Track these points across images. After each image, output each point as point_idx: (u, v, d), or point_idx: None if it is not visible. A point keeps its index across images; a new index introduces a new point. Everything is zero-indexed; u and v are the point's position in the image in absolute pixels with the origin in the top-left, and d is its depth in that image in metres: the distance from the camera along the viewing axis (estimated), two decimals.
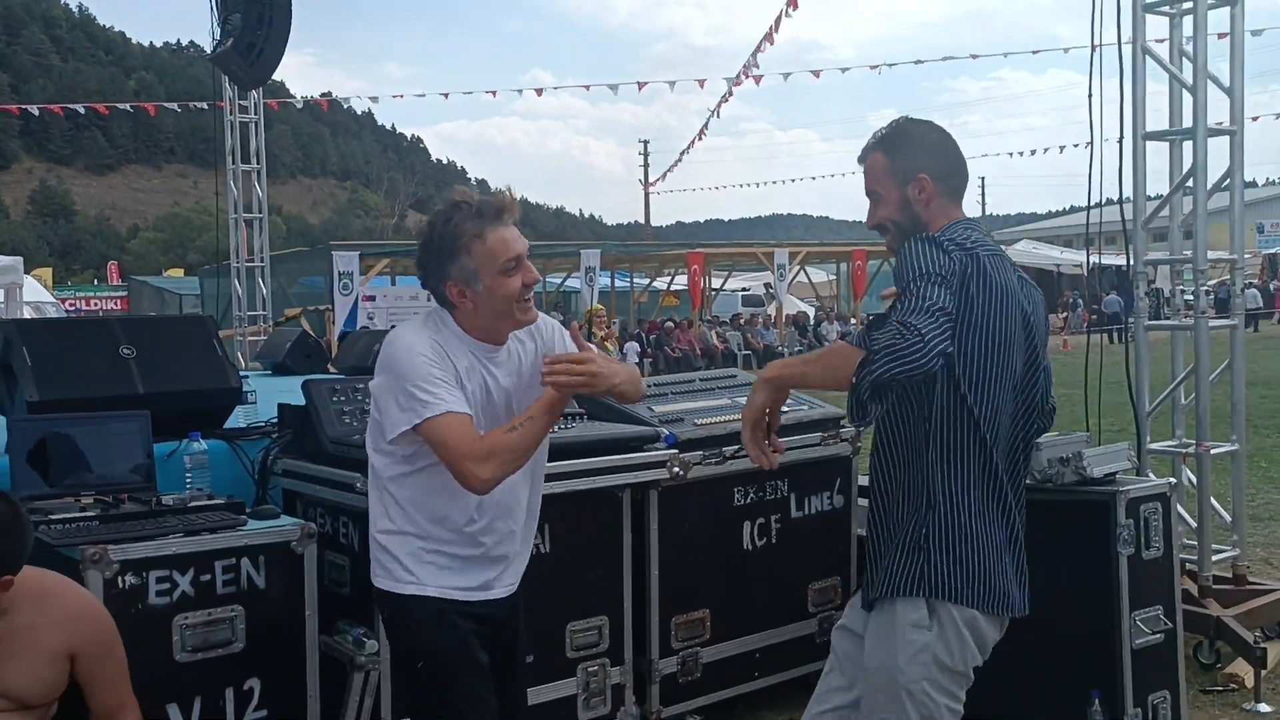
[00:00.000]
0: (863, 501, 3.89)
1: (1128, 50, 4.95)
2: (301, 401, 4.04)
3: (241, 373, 4.84)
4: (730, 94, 26.62)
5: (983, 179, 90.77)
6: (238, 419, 4.37)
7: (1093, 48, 4.97)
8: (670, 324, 27.00)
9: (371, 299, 21.27)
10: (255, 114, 12.91)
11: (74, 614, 2.59)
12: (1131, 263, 5.05)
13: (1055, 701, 4.00)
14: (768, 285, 35.98)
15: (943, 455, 2.45)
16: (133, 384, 3.95)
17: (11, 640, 2.51)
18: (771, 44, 20.79)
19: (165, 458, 3.73)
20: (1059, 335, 33.19)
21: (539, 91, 77.77)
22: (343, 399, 3.82)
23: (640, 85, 27.38)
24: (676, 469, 4.02)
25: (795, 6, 18.80)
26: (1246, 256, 5.54)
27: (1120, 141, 4.96)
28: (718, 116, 27.31)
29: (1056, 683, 4.00)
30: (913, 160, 2.57)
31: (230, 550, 3.03)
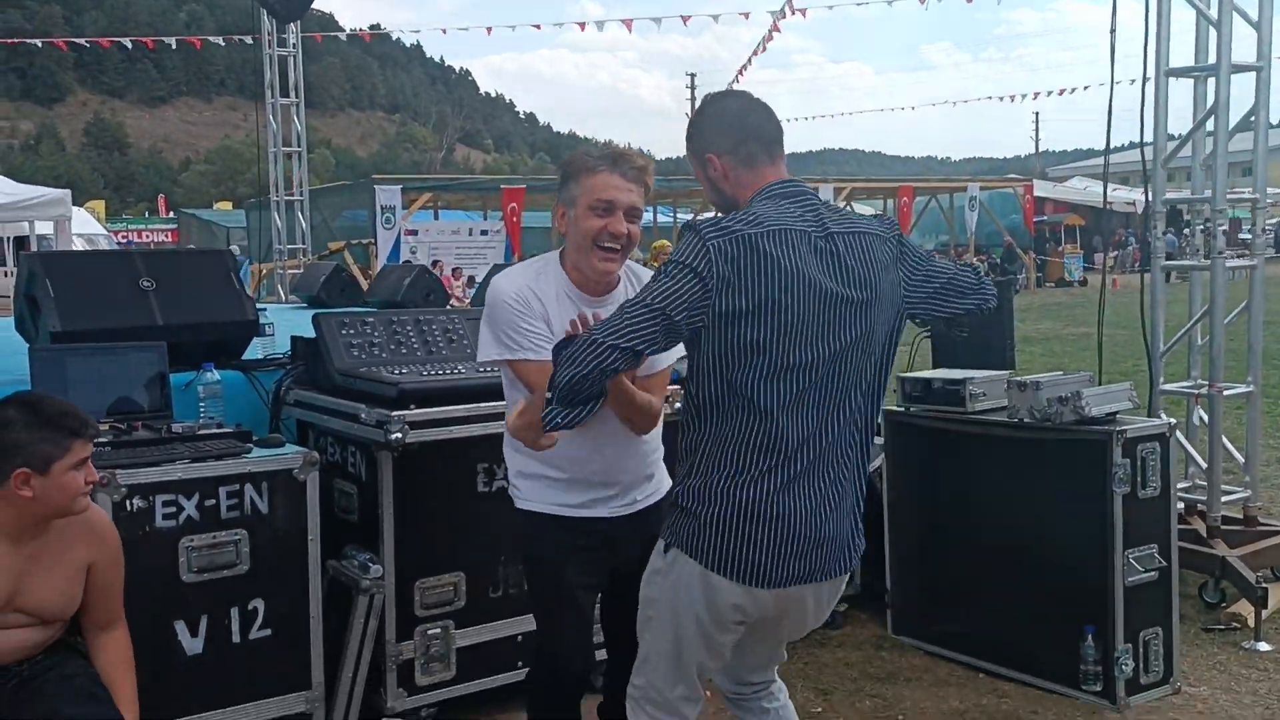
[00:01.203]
0: None
1: None
2: (314, 334, 4.16)
3: (259, 306, 4.95)
4: (775, 28, 26.16)
5: (1036, 114, 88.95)
6: (256, 350, 4.50)
7: None
8: None
9: (414, 233, 21.45)
10: (294, 47, 12.95)
11: (93, 528, 2.73)
12: (1150, 201, 5.00)
13: (1050, 636, 4.06)
14: None
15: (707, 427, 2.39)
16: (152, 315, 4.07)
17: (46, 556, 2.65)
18: None
19: (183, 387, 3.86)
20: (1110, 274, 32.77)
21: (582, 26, 76.43)
22: (351, 332, 3.92)
23: (685, 19, 26.90)
24: None
25: None
26: (1276, 191, 5.45)
27: (1143, 76, 4.89)
28: (762, 50, 26.83)
29: (1052, 618, 4.05)
30: (699, 143, 2.53)
31: (235, 477, 3.15)
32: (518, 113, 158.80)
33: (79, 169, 79.49)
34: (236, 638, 3.17)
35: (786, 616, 2.46)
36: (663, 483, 3.01)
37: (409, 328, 4.04)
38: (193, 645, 3.11)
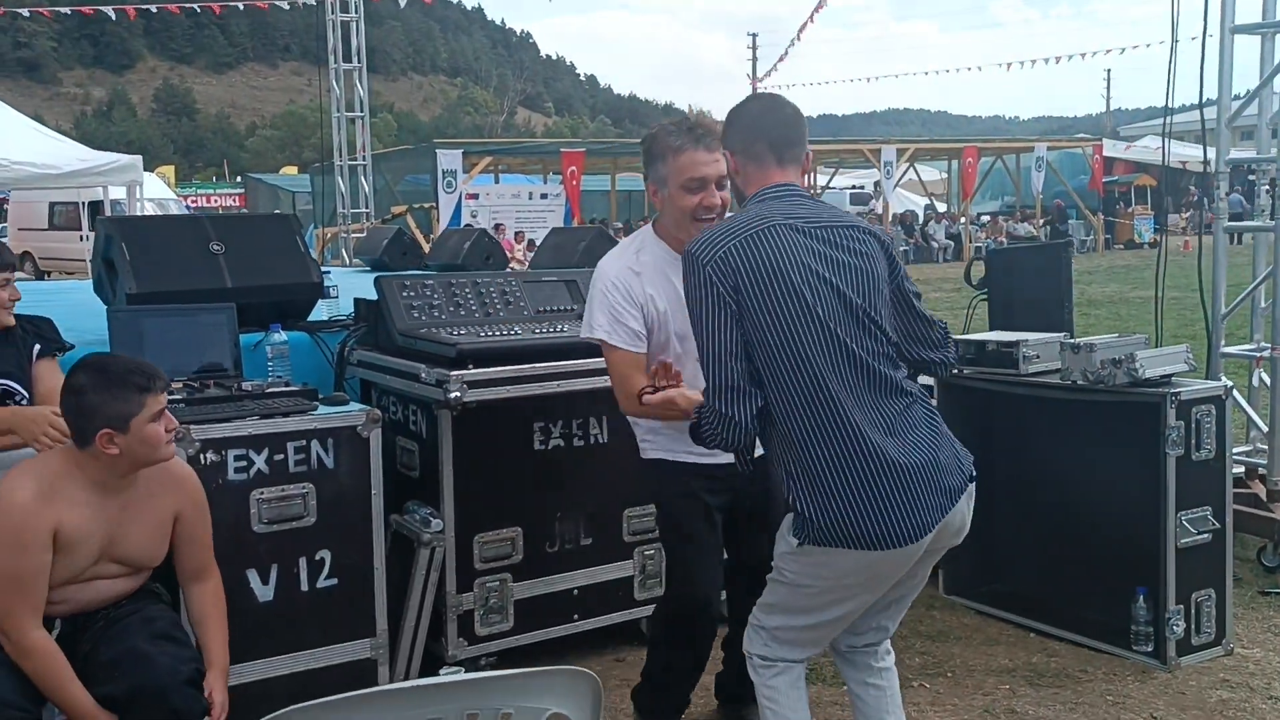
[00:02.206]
0: None
1: None
2: (376, 297, 4.28)
3: (324, 269, 5.09)
4: None
5: (1108, 71, 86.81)
6: (320, 312, 4.63)
7: None
8: None
9: (475, 197, 21.61)
10: (356, 12, 13.08)
11: (178, 477, 2.87)
12: (1212, 161, 4.94)
13: (1102, 597, 4.09)
14: (877, 183, 35.34)
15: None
16: (221, 278, 4.21)
17: (135, 506, 2.79)
18: None
19: (251, 348, 4.00)
20: (1180, 236, 32.03)
21: None
22: (412, 294, 4.02)
23: None
24: None
25: None
26: None
27: (1204, 34, 4.82)
28: (822, 6, 26.55)
29: (1105, 578, 4.08)
30: (725, 141, 2.75)
31: (301, 433, 3.28)
32: (578, 75, 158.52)
33: (149, 135, 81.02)
34: (305, 586, 3.31)
35: (926, 555, 2.59)
36: None
37: (467, 290, 4.14)
38: (264, 593, 3.25)
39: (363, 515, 3.40)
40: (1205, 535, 3.92)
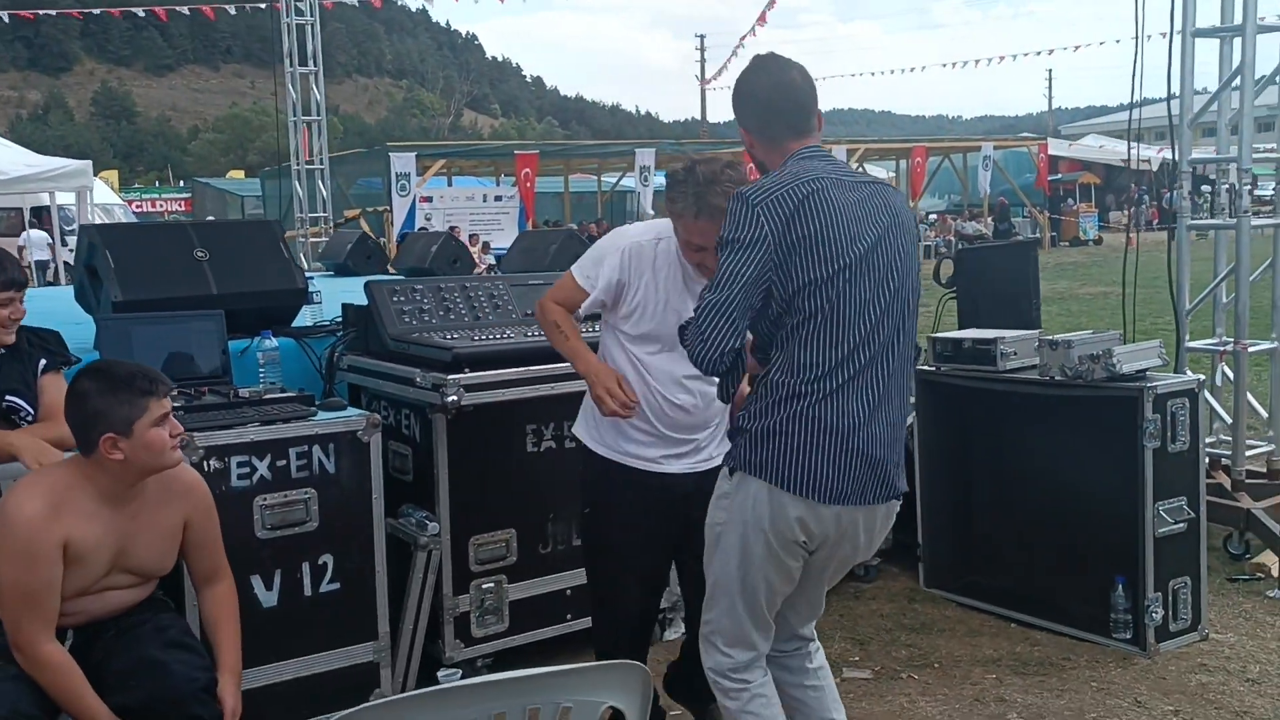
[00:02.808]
0: None
1: None
2: (364, 301, 4.29)
3: (307, 274, 5.08)
4: None
5: (1050, 71, 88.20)
6: (304, 318, 4.62)
7: None
8: None
9: (429, 200, 21.53)
10: (311, 15, 12.99)
11: (186, 485, 2.86)
12: (1176, 160, 5.08)
13: (1080, 587, 4.20)
14: None
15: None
16: (207, 285, 4.19)
17: (145, 516, 2.77)
18: None
19: (238, 354, 4.00)
20: (1123, 233, 32.66)
21: None
22: (402, 299, 4.04)
23: None
24: None
25: None
26: None
27: (1170, 36, 4.95)
28: (770, 7, 26.73)
29: (1083, 569, 4.19)
30: (738, 115, 2.72)
31: (303, 438, 3.29)
32: (525, 77, 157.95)
33: (88, 138, 79.39)
34: (308, 591, 3.32)
35: (842, 541, 2.60)
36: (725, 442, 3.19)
37: (456, 294, 4.17)
38: (267, 598, 3.26)
39: (364, 520, 3.42)
40: (1181, 524, 4.04)
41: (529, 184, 21.50)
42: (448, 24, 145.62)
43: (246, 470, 3.20)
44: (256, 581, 3.24)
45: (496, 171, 27.71)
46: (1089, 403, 4.10)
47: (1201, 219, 5.34)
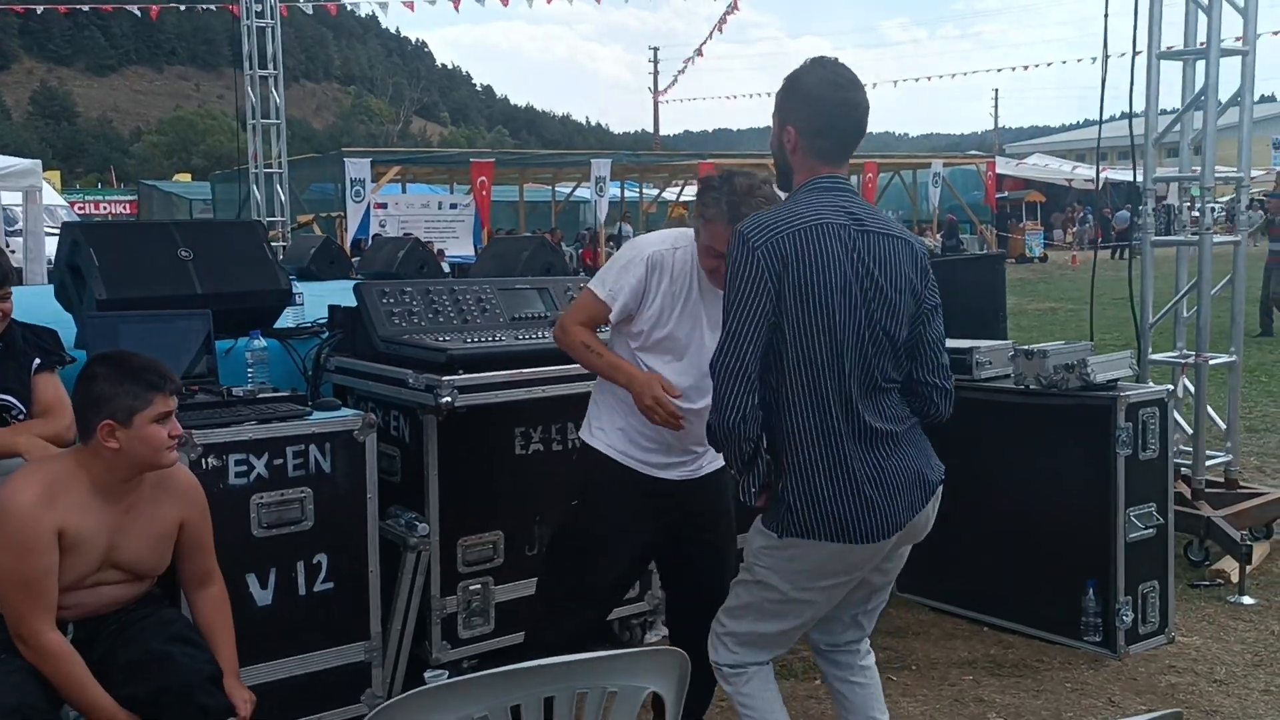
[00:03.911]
0: None
1: None
2: (349, 303, 4.30)
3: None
4: (735, 6, 26.39)
5: (996, 90, 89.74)
6: (285, 319, 4.61)
7: None
8: None
9: (383, 206, 21.41)
10: (272, 18, 12.91)
11: (182, 486, 2.86)
12: (1141, 179, 5.24)
13: (1051, 591, 4.30)
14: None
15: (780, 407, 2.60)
16: (191, 284, 4.17)
17: (138, 514, 2.77)
18: None
19: (223, 354, 3.98)
20: (1068, 251, 33.29)
21: None
22: (392, 301, 4.05)
23: None
24: None
25: None
26: (1260, 174, 5.70)
27: (1133, 58, 5.11)
28: (723, 25, 26.94)
29: (1054, 573, 4.29)
30: (789, 108, 2.61)
31: (299, 437, 3.30)
32: (475, 85, 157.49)
33: (26, 138, 77.74)
34: (302, 590, 3.32)
35: (898, 546, 2.69)
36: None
37: (445, 297, 4.18)
38: (262, 596, 3.26)
39: (358, 519, 3.43)
40: (1151, 530, 4.17)
41: (485, 192, 21.48)
42: (397, 31, 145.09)
43: (244, 468, 3.20)
44: (252, 580, 3.24)
45: (450, 179, 27.64)
46: (1063, 411, 4.21)
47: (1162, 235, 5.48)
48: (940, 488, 2.74)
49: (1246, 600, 4.64)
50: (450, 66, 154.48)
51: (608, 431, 3.17)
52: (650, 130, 62.09)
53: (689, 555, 3.27)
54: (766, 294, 2.47)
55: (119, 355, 2.80)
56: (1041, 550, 4.35)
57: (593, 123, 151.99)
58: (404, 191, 25.02)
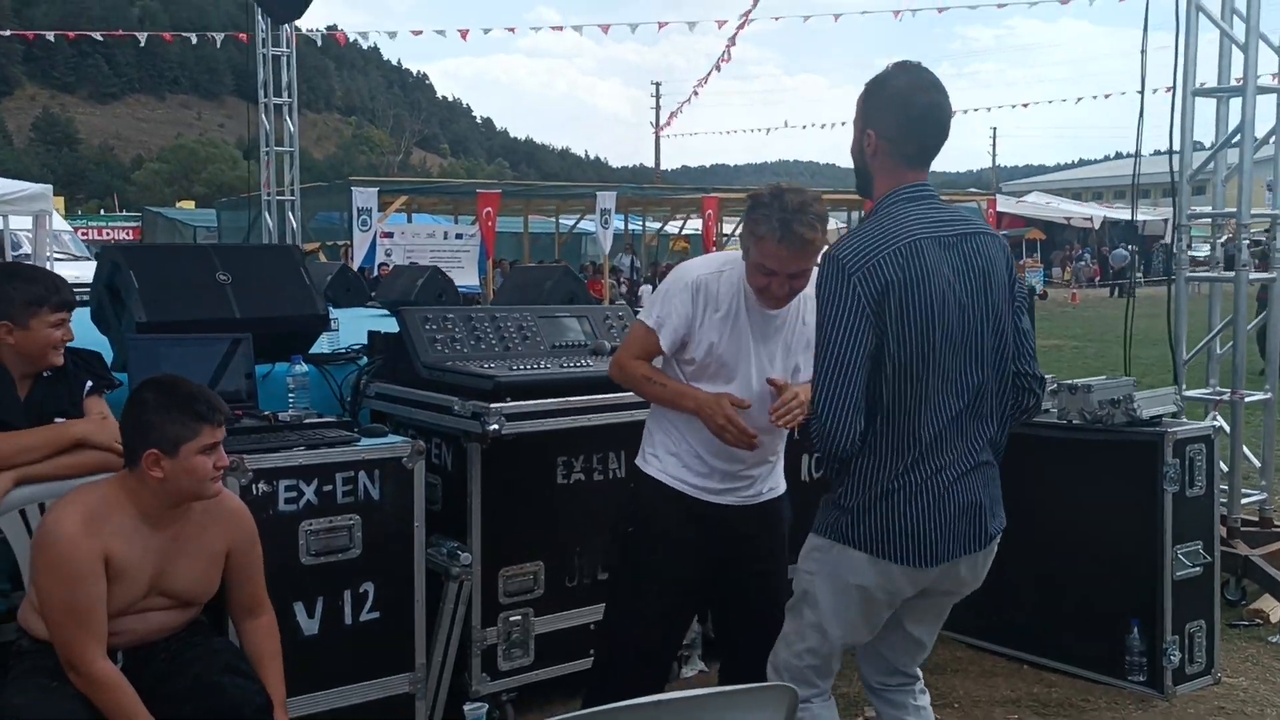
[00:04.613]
0: None
1: (1176, 3, 5.10)
2: (385, 329, 4.27)
3: None
4: (732, 45, 26.62)
5: (994, 129, 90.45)
6: (321, 345, 4.57)
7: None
8: None
9: (389, 235, 21.39)
10: (288, 47, 12.94)
11: (230, 511, 2.82)
12: (1175, 216, 5.23)
13: (1093, 629, 4.25)
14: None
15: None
16: (230, 308, 4.13)
17: (186, 540, 2.72)
18: None
19: (261, 378, 3.94)
20: (1067, 288, 33.39)
21: (532, 29, 76.10)
22: (435, 327, 4.02)
23: (660, 25, 27.16)
24: None
25: None
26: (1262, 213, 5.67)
27: (1174, 95, 5.11)
28: (726, 60, 27.12)
29: (1097, 611, 4.24)
30: (871, 111, 2.57)
31: (349, 464, 3.25)
32: (475, 118, 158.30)
33: (27, 164, 77.90)
34: (348, 619, 3.26)
35: (943, 584, 2.64)
36: (782, 478, 3.22)
37: (486, 324, 4.15)
38: (309, 626, 3.20)
39: (405, 548, 3.38)
40: (1197, 568, 4.12)
41: (490, 223, 21.46)
42: (399, 62, 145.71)
43: (294, 495, 3.15)
44: (299, 609, 3.18)
45: (455, 209, 27.67)
46: (1108, 447, 4.17)
47: (1200, 272, 5.47)
48: (997, 540, 2.69)
49: None
50: (451, 99, 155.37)
51: (661, 458, 3.13)
52: (648, 165, 62.32)
53: (741, 585, 3.21)
54: (866, 319, 2.43)
55: (169, 381, 2.76)
56: (1084, 587, 4.29)
57: (591, 156, 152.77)
58: (410, 221, 25.03)
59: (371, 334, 4.35)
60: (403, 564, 3.36)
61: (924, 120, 2.54)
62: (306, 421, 3.44)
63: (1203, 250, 11.49)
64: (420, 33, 20.82)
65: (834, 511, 2.58)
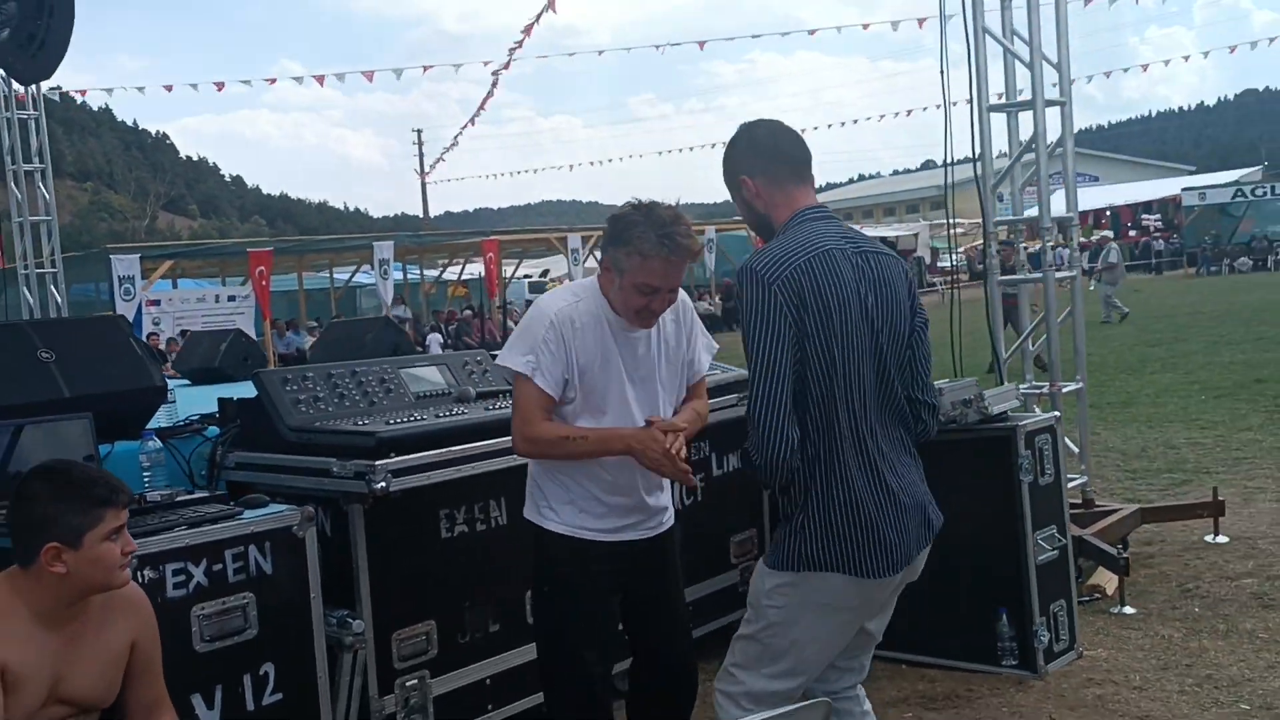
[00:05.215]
0: None
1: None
2: (235, 396, 4.03)
3: None
4: (495, 85, 26.80)
5: None
6: (159, 419, 4.26)
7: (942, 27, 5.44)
8: (469, 312, 26.92)
9: (155, 303, 20.31)
10: (37, 109, 12.09)
11: (130, 602, 2.57)
12: (983, 223, 5.57)
13: (962, 621, 4.42)
14: (545, 272, 36.38)
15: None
16: (57, 388, 3.80)
17: (85, 639, 2.47)
18: (529, 36, 21.15)
19: (102, 459, 3.63)
20: None
21: (271, 80, 74.52)
22: (295, 387, 3.82)
23: (425, 68, 26.93)
24: None
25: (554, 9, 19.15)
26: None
27: (971, 110, 5.45)
28: (484, 110, 27.13)
29: (963, 604, 4.42)
30: (735, 165, 2.72)
31: (238, 539, 3.03)
32: (223, 176, 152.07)
33: None
34: (250, 705, 3.03)
35: (902, 578, 2.72)
36: (670, 502, 3.24)
37: (348, 380, 3.98)
38: (209, 717, 2.95)
39: (303, 622, 3.17)
40: (1055, 552, 4.37)
41: (264, 282, 20.66)
42: (135, 123, 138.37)
43: (182, 578, 2.91)
44: (197, 701, 2.92)
45: (221, 272, 26.52)
46: (964, 444, 4.37)
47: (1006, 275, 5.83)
48: (936, 533, 2.79)
49: (1128, 610, 4.92)
50: (196, 158, 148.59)
51: (557, 509, 3.06)
52: (409, 213, 61.71)
53: (641, 610, 3.21)
54: (789, 325, 2.48)
55: (61, 467, 2.51)
56: (952, 582, 4.45)
57: (351, 208, 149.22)
58: (175, 287, 23.80)
59: (223, 401, 4.08)
60: (302, 639, 3.15)
61: (775, 139, 2.71)
62: (179, 500, 3.18)
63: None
64: (144, 89, 19.77)
65: (792, 540, 2.60)
